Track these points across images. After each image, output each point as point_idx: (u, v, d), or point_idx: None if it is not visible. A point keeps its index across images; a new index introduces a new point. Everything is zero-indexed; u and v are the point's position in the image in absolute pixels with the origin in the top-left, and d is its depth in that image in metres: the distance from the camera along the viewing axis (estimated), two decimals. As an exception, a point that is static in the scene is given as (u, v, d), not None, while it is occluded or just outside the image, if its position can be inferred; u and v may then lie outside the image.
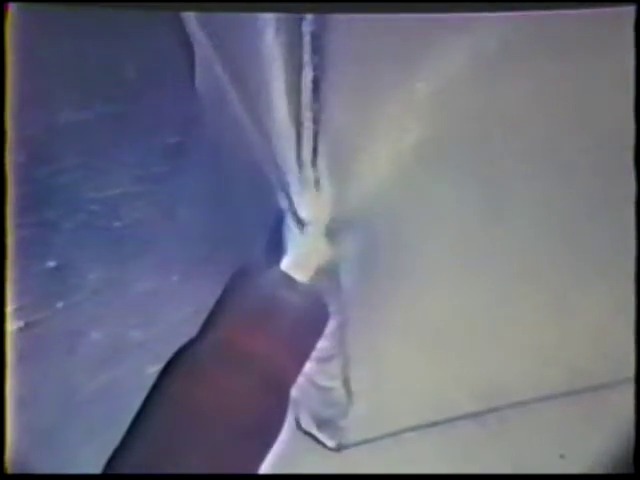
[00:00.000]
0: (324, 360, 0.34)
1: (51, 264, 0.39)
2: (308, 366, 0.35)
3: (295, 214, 0.30)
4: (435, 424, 0.37)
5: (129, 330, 0.38)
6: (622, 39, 0.28)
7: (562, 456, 0.36)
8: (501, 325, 0.34)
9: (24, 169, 0.40)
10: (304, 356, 0.30)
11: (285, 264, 0.30)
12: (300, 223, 0.30)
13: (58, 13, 0.41)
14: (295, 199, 0.30)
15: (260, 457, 0.28)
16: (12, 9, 0.31)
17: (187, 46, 0.41)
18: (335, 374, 0.35)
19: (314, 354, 0.34)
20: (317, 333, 0.31)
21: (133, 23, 0.43)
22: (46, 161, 0.41)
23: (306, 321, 0.30)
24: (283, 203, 0.30)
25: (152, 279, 0.39)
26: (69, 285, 0.39)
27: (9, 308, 0.36)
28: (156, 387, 0.28)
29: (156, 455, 0.26)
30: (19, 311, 0.37)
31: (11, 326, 0.36)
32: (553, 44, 0.28)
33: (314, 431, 0.37)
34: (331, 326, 0.33)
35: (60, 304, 0.38)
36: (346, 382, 0.35)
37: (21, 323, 0.37)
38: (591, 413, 0.36)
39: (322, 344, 0.34)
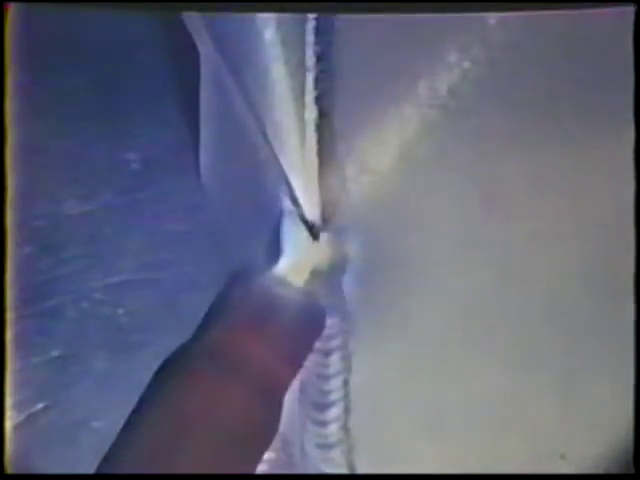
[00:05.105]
0: (328, 447, 0.34)
1: (54, 353, 0.39)
2: (313, 453, 0.34)
3: (297, 213, 0.30)
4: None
5: (132, 420, 0.38)
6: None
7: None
8: (503, 410, 0.34)
9: (29, 260, 0.40)
10: (299, 362, 0.30)
11: (282, 266, 0.29)
12: (302, 223, 0.30)
13: (61, 105, 0.42)
14: (298, 198, 0.30)
15: (252, 463, 0.27)
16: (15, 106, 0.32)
17: (192, 132, 0.42)
18: (340, 462, 0.34)
19: (318, 441, 0.34)
20: (312, 338, 0.30)
21: (136, 111, 0.44)
22: (51, 251, 0.41)
23: (301, 326, 0.30)
24: (285, 203, 0.30)
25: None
26: (72, 375, 0.39)
27: (9, 401, 0.36)
28: (148, 390, 0.28)
29: (146, 460, 0.26)
30: (20, 404, 0.37)
31: (11, 420, 0.36)
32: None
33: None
34: (335, 411, 0.33)
35: (62, 394, 0.38)
36: (351, 470, 0.35)
37: (22, 417, 0.37)
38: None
39: (325, 430, 0.33)
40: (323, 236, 0.30)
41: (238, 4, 0.27)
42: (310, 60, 0.27)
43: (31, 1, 0.37)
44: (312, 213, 0.30)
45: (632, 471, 0.29)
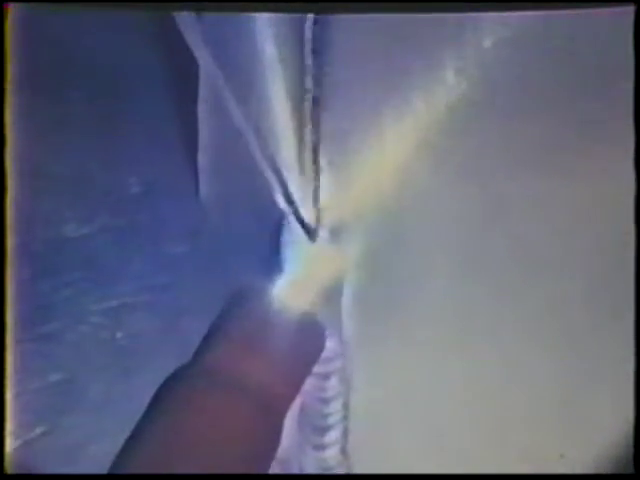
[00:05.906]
0: (328, 470, 0.34)
1: (54, 378, 0.39)
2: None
3: (298, 219, 0.30)
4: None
5: (131, 443, 0.37)
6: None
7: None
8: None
9: (28, 285, 0.40)
10: (299, 382, 0.30)
11: (282, 285, 0.30)
12: (303, 230, 0.30)
13: (60, 127, 0.42)
14: (298, 204, 0.30)
15: None
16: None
17: (191, 157, 0.42)
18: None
19: (318, 464, 0.34)
20: (313, 358, 0.31)
21: (134, 134, 0.44)
22: (50, 275, 0.41)
23: (302, 346, 0.30)
24: (286, 220, 0.30)
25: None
26: (71, 399, 0.39)
27: (8, 427, 0.36)
28: (148, 410, 0.28)
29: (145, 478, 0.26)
30: (19, 429, 0.37)
31: (10, 445, 0.36)
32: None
33: None
34: (334, 434, 0.33)
35: (61, 419, 0.38)
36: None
37: (20, 441, 0.37)
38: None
39: (324, 454, 0.33)
40: (324, 253, 0.30)
41: (233, 4, 0.27)
42: (307, 58, 0.28)
43: (31, 1, 0.37)
44: (311, 222, 0.30)
45: (632, 471, 0.29)
